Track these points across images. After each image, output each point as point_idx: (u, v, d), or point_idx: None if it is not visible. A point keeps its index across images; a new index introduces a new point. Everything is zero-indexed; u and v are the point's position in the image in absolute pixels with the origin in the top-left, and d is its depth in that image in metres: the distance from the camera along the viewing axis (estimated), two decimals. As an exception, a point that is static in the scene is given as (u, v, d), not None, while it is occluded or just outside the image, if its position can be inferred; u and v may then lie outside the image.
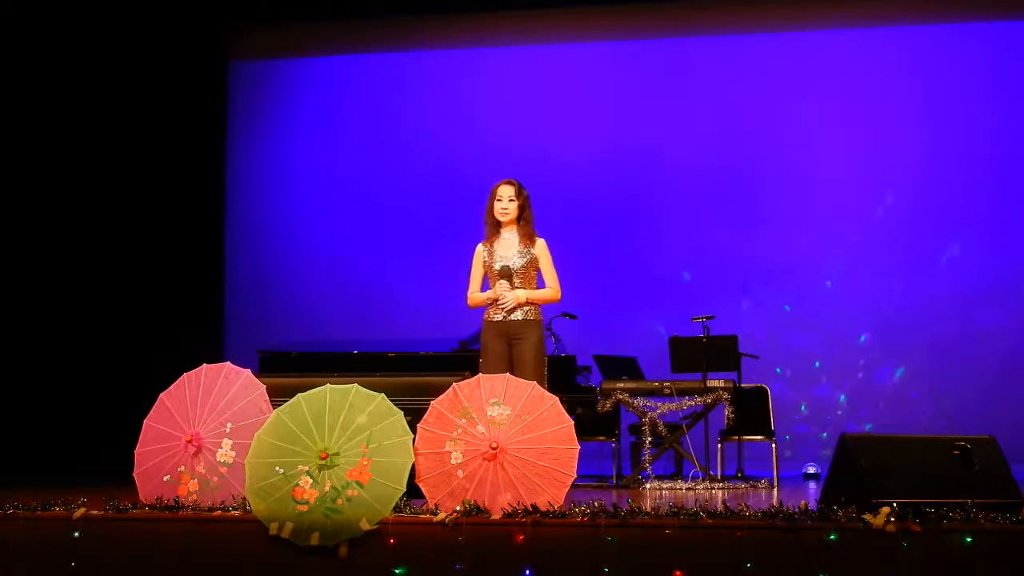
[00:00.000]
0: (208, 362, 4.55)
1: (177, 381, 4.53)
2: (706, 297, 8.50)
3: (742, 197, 8.78)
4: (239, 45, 9.44)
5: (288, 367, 6.92)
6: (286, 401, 4.22)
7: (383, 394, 4.19)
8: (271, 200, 9.36)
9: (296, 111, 9.43)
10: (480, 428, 4.14)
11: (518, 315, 5.19)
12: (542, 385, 5.10)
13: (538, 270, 5.28)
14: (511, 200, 5.27)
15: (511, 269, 5.19)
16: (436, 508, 4.01)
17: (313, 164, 9.35)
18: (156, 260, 8.67)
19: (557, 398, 4.24)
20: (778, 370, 8.45)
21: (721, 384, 6.72)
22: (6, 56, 8.13)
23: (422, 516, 3.93)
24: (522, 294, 5.18)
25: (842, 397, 8.54)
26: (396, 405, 4.17)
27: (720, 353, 6.90)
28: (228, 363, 4.53)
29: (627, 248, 8.85)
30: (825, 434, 8.43)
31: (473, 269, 5.33)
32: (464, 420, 4.15)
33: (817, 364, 8.62)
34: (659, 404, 6.68)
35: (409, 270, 9.04)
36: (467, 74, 9.25)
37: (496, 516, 3.92)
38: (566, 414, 4.21)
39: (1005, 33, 8.65)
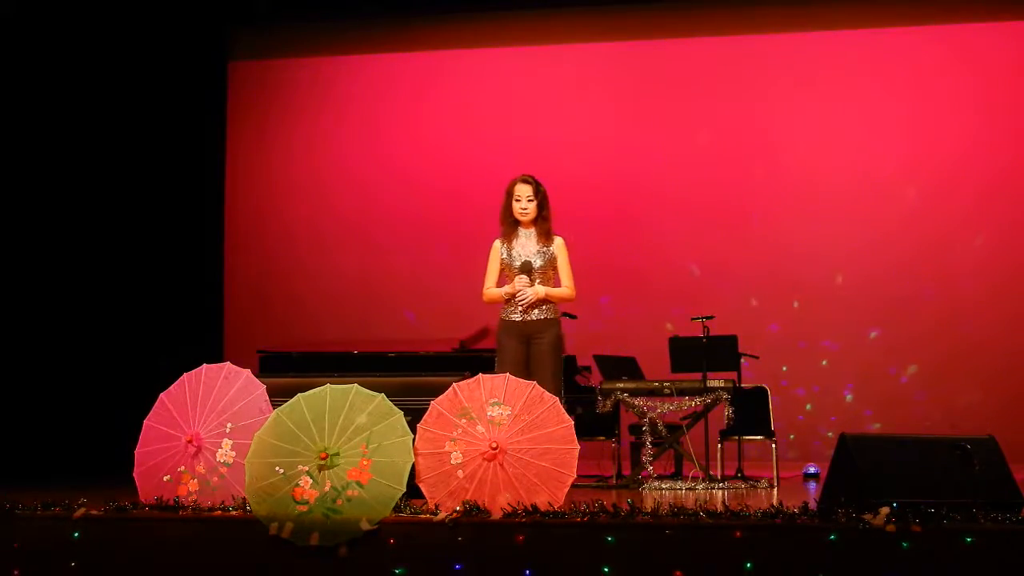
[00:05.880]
0: (208, 362, 4.55)
1: (177, 381, 4.53)
2: (707, 297, 8.48)
3: (744, 196, 8.76)
4: (239, 45, 9.45)
5: (288, 367, 6.92)
6: (286, 401, 4.22)
7: (383, 394, 4.19)
8: (271, 200, 9.34)
9: (296, 111, 9.42)
10: (480, 428, 4.13)
11: (537, 314, 5.17)
12: (560, 383, 5.11)
13: (555, 269, 5.26)
14: (530, 199, 5.22)
15: (532, 265, 5.16)
16: (436, 508, 4.01)
17: (313, 164, 9.33)
18: (156, 260, 8.67)
19: (557, 398, 4.24)
20: (789, 376, 8.44)
21: (721, 384, 6.72)
22: (6, 57, 8.12)
23: (422, 516, 3.93)
24: (541, 290, 5.16)
25: (848, 396, 8.53)
26: (396, 405, 4.17)
27: (720, 353, 6.89)
28: (228, 363, 4.54)
29: (627, 248, 8.83)
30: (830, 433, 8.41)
31: (490, 264, 5.28)
32: (464, 420, 4.15)
33: (825, 363, 8.61)
34: (659, 404, 6.68)
35: (409, 270, 9.03)
36: (467, 74, 9.23)
37: (496, 516, 3.92)
38: (566, 414, 4.21)
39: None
